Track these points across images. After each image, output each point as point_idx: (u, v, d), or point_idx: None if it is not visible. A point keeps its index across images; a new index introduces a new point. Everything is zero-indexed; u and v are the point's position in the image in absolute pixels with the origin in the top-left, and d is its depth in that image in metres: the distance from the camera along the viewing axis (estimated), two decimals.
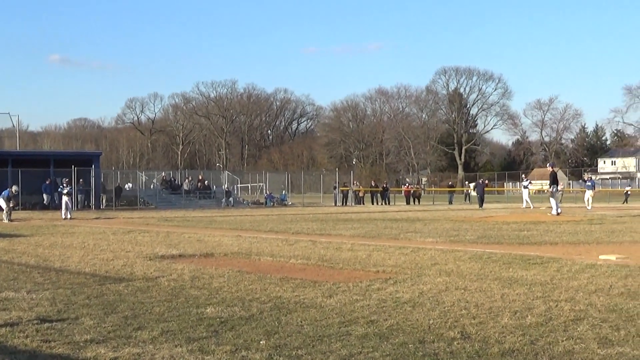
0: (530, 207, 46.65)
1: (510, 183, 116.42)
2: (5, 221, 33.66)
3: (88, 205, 51.36)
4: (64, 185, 38.42)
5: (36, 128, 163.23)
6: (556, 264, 14.00)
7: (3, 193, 35.47)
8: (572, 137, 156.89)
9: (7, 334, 8.10)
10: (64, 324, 8.64)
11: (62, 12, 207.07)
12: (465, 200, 71.13)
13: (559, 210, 33.08)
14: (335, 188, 63.63)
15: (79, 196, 51.01)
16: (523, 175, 56.25)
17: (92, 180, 52.50)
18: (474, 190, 53.93)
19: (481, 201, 53.24)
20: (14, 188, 36.25)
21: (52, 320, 8.84)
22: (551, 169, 34.60)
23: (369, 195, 65.97)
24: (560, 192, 65.83)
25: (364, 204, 63.19)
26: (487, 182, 57.60)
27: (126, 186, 61.15)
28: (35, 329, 8.33)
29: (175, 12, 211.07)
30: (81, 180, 51.17)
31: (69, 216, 36.54)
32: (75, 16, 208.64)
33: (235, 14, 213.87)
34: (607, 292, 10.64)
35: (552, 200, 33.98)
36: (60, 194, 38.79)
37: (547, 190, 37.06)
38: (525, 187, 50.69)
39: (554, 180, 34.04)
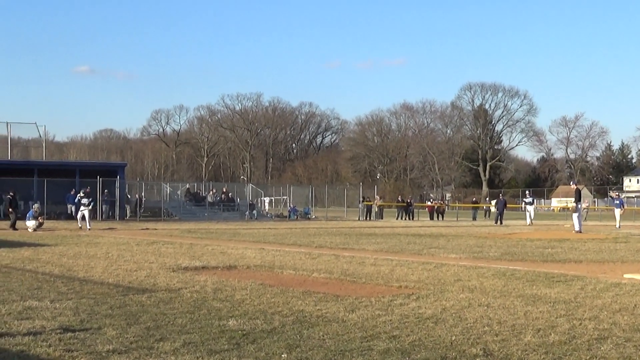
0: (531, 224, 47.02)
1: (535, 200, 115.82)
2: (30, 230, 33.89)
3: (112, 216, 51.60)
4: (82, 195, 38.31)
5: (62, 138, 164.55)
6: (580, 282, 13.90)
7: (27, 215, 35.62)
8: (598, 154, 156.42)
9: (30, 343, 8.13)
10: (87, 333, 8.67)
11: (90, 24, 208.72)
12: (485, 216, 71.00)
13: (580, 228, 33.24)
14: (360, 202, 63.66)
15: (104, 206, 51.29)
16: (527, 192, 56.27)
17: (117, 191, 52.78)
18: (495, 206, 53.85)
19: (499, 217, 53.15)
20: (36, 206, 36.28)
21: (75, 329, 8.87)
22: (575, 187, 34.79)
23: (393, 210, 65.83)
24: (585, 210, 65.62)
25: (382, 217, 63.15)
26: (505, 199, 57.53)
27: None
28: (58, 339, 8.36)
29: (202, 25, 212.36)
30: (106, 190, 51.46)
31: (88, 227, 35.92)
32: (103, 28, 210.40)
33: (261, 28, 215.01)
34: (632, 311, 10.55)
35: (574, 217, 34.03)
36: (78, 204, 38.86)
37: (572, 207, 37.13)
38: (529, 203, 50.90)
39: (578, 198, 34.12)
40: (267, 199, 65.81)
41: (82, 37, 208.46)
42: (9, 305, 10.73)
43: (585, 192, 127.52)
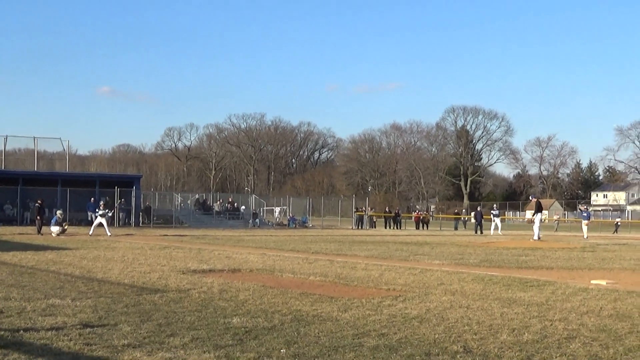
0: (498, 234, 47.23)
1: (511, 212, 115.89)
2: (54, 235, 33.84)
3: (129, 223, 51.54)
4: (100, 207, 38.12)
5: (84, 152, 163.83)
6: (551, 287, 13.89)
7: (52, 221, 35.53)
8: (568, 171, 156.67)
9: (52, 337, 8.12)
10: (104, 329, 8.66)
11: (112, 51, 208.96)
12: (464, 227, 71.09)
13: (540, 236, 33.68)
14: (355, 212, 63.76)
15: (121, 214, 51.27)
16: (495, 205, 56.57)
17: (133, 200, 52.74)
18: (473, 218, 54.20)
19: (478, 227, 53.46)
20: (59, 213, 36.16)
21: (93, 325, 8.86)
22: (535, 200, 35.47)
23: (383, 219, 66.01)
24: (556, 222, 65.46)
25: (375, 227, 63.18)
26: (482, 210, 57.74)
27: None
28: (78, 333, 8.34)
29: (211, 51, 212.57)
30: (123, 199, 51.46)
31: (108, 233, 35.18)
32: (124, 54, 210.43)
33: (266, 54, 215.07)
34: (598, 313, 10.55)
35: (535, 227, 34.51)
36: (96, 214, 38.78)
37: (531, 219, 37.70)
38: (496, 215, 51.23)
39: (538, 209, 34.59)
40: (277, 209, 65.77)
41: (105, 62, 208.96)
42: (34, 302, 10.71)
43: (556, 205, 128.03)
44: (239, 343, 7.96)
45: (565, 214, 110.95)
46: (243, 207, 62.60)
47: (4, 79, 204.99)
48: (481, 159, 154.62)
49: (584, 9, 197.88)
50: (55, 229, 34.58)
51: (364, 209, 65.61)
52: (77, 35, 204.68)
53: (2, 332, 8.38)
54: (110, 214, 37.46)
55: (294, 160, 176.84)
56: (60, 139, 62.54)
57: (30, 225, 43.42)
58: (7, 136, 57.47)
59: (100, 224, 36.32)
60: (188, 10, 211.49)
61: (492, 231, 49.71)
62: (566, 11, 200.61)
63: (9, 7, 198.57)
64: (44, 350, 7.55)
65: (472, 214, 53.60)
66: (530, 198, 36.57)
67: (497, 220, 50.97)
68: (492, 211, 53.16)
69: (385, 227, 63.22)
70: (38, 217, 37.20)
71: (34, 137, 58.25)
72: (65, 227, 35.70)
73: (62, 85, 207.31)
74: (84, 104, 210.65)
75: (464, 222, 74.07)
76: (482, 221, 54.63)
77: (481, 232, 51.53)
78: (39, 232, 35.81)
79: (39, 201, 38.51)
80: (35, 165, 59.27)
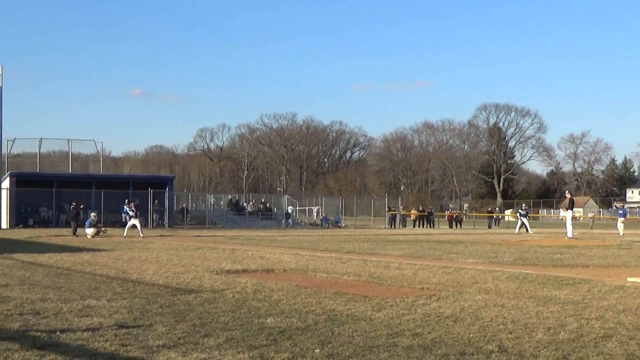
0: (523, 232, 46.65)
1: (545, 210, 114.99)
2: (89, 237, 34.13)
3: (162, 224, 51.85)
4: (130, 207, 38.40)
5: (117, 154, 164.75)
6: (587, 285, 13.77)
7: (86, 223, 35.83)
8: (603, 168, 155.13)
9: (89, 338, 8.19)
10: (140, 330, 8.71)
11: (145, 53, 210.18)
12: (496, 224, 70.66)
13: (572, 235, 33.18)
14: (388, 211, 63.73)
15: (154, 215, 51.58)
16: (524, 205, 56.01)
17: (166, 201, 53.05)
18: (520, 217, 53.20)
19: (525, 226, 52.98)
20: (93, 215, 36.42)
21: (129, 326, 8.92)
22: (569, 196, 34.82)
23: (412, 219, 65.97)
24: (591, 219, 64.86)
25: (406, 226, 63.03)
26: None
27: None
28: (114, 334, 8.40)
29: (243, 52, 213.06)
30: (156, 201, 51.78)
31: (141, 235, 35.32)
32: (156, 56, 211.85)
33: (297, 54, 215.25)
34: (635, 311, 10.43)
35: (567, 224, 33.98)
36: (128, 215, 39.16)
37: (564, 216, 37.14)
38: (524, 215, 50.50)
39: (571, 206, 34.09)
40: (314, 208, 65.89)
41: (137, 64, 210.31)
42: (70, 303, 10.81)
43: (591, 202, 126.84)
44: (273, 343, 7.97)
45: (600, 211, 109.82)
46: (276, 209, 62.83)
47: (39, 82, 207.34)
48: (514, 156, 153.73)
49: (619, 1, 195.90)
50: (89, 230, 34.87)
51: (395, 208, 65.53)
52: (109, 38, 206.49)
53: (39, 333, 8.47)
54: (133, 213, 37.63)
55: (326, 159, 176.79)
56: (94, 140, 63.21)
57: (65, 227, 43.84)
58: (41, 139, 58.18)
59: (134, 226, 36.58)
60: (219, 12, 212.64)
61: (517, 230, 48.93)
62: (599, 4, 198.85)
63: (44, 13, 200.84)
64: (80, 351, 7.62)
65: (518, 212, 53.09)
66: (566, 194, 35.89)
67: (525, 219, 50.34)
68: (519, 210, 52.74)
69: (416, 226, 62.93)
70: (73, 219, 37.55)
71: (68, 140, 58.92)
72: (104, 230, 36.08)
73: (95, 88, 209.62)
74: (117, 106, 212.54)
75: (497, 221, 73.62)
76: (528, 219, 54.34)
77: (528, 231, 51.20)
78: (74, 233, 36.16)
79: (74, 203, 38.87)
80: (70, 167, 59.85)
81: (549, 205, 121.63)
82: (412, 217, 65.10)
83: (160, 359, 7.22)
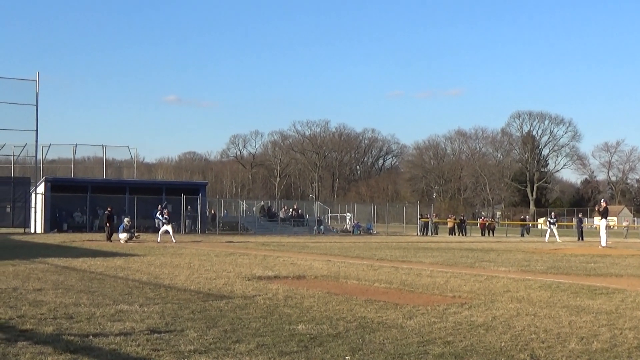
0: (554, 241, 46.21)
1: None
2: (122, 242, 34.37)
3: (195, 230, 52.06)
4: (163, 213, 38.67)
5: (151, 160, 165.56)
6: (621, 294, 13.63)
7: (120, 227, 36.08)
8: (637, 177, 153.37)
9: (121, 342, 8.25)
10: (171, 335, 8.76)
11: (178, 60, 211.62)
12: (527, 232, 70.14)
13: (606, 244, 32.91)
14: (420, 218, 63.61)
15: (187, 221, 51.82)
16: (552, 214, 55.47)
17: (199, 207, 53.27)
18: (576, 225, 52.89)
19: (581, 234, 53.00)
20: (126, 220, 36.66)
21: (160, 331, 8.97)
22: (605, 204, 34.51)
23: (446, 227, 65.75)
24: (626, 228, 64.13)
25: (438, 234, 62.82)
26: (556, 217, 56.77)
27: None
28: (146, 339, 8.46)
29: (276, 59, 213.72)
30: (189, 207, 52.01)
31: (173, 240, 35.44)
32: (190, 63, 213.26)
33: (329, 60, 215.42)
34: None
35: (601, 233, 33.73)
36: (161, 220, 39.50)
37: (599, 225, 36.83)
38: (553, 223, 50.17)
39: (603, 214, 33.82)
40: (347, 215, 65.84)
41: (171, 71, 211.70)
42: (103, 308, 10.90)
43: (625, 211, 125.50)
44: (303, 350, 7.98)
45: (634, 220, 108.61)
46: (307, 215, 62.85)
47: (75, 89, 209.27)
48: (547, 164, 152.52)
49: None
50: (123, 235, 35.12)
51: (427, 215, 65.37)
52: (144, 46, 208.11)
53: (72, 337, 8.54)
54: (163, 218, 37.92)
55: (358, 167, 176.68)
56: (128, 147, 63.75)
57: (99, 232, 44.19)
58: (76, 144, 58.84)
59: (167, 231, 36.79)
60: (253, 19, 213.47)
61: (546, 238, 48.70)
62: (634, 12, 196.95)
63: (79, 20, 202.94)
64: (112, 355, 7.68)
65: (548, 221, 52.70)
66: (601, 202, 35.50)
67: (554, 228, 49.98)
68: (549, 219, 52.38)
69: (450, 234, 62.71)
70: (107, 224, 37.83)
71: (103, 146, 59.50)
72: (137, 235, 36.31)
73: (130, 94, 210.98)
74: (151, 113, 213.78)
75: (528, 229, 73.06)
76: (583, 228, 54.17)
77: (582, 239, 51.13)
78: (108, 239, 36.43)
79: (108, 208, 39.17)
80: (104, 173, 60.39)
81: (583, 214, 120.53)
82: (449, 225, 64.84)
83: None
